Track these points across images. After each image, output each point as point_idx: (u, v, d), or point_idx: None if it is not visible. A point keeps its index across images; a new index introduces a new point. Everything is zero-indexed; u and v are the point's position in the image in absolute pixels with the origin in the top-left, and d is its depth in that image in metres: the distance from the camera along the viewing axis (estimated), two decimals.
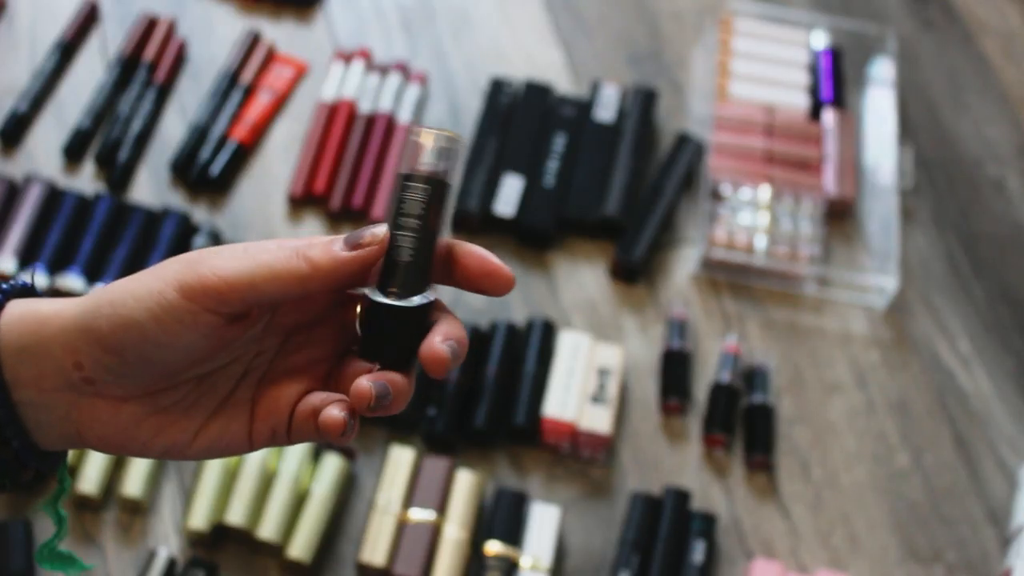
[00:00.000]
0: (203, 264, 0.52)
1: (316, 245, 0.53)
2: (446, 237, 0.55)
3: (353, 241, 0.53)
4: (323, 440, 0.55)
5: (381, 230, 0.53)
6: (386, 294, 0.53)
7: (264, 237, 1.16)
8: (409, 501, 1.01)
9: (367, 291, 0.54)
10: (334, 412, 0.53)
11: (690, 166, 1.23)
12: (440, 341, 0.52)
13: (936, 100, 1.33)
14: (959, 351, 1.16)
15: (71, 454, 1.00)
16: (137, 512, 1.01)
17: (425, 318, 0.54)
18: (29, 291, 0.56)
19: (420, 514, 1.00)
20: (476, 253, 0.54)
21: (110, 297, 0.52)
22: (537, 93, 1.26)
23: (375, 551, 0.98)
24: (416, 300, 0.53)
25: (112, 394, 0.54)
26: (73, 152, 1.20)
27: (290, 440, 0.56)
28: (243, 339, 0.55)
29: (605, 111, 1.25)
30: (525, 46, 1.33)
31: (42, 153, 1.21)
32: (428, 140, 0.55)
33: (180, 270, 0.52)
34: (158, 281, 0.52)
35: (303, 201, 1.20)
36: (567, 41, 1.34)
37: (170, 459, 0.59)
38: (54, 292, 1.09)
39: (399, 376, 0.53)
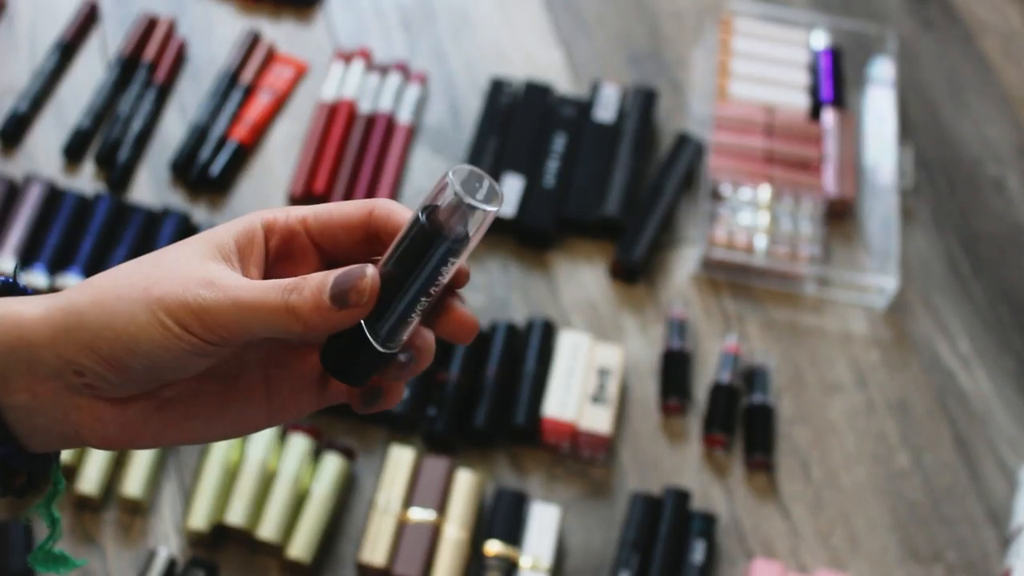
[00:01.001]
0: (195, 301, 0.50)
1: (305, 297, 0.50)
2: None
3: (341, 298, 0.50)
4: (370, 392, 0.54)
5: (366, 283, 0.50)
6: (369, 330, 0.51)
7: None
8: (409, 501, 1.01)
9: None
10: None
11: (690, 166, 1.23)
12: (464, 307, 0.53)
13: (936, 100, 1.33)
14: (959, 351, 1.16)
15: (70, 454, 1.00)
16: (137, 512, 1.01)
17: (393, 358, 0.53)
18: (11, 289, 0.55)
19: (420, 514, 1.00)
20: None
21: (110, 320, 0.50)
22: (537, 93, 1.26)
23: (375, 551, 0.98)
24: (394, 351, 0.52)
25: (114, 395, 0.52)
26: (73, 152, 1.20)
27: (319, 406, 0.56)
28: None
29: (605, 111, 1.25)
30: (525, 46, 1.33)
31: (42, 153, 1.21)
32: (465, 187, 0.49)
33: (175, 305, 0.50)
34: (158, 309, 0.50)
35: (303, 201, 1.20)
36: (567, 41, 1.34)
37: (187, 444, 0.58)
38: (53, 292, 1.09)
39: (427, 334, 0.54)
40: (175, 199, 1.19)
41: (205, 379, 0.54)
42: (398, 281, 0.51)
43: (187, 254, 0.52)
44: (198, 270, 0.51)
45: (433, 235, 0.50)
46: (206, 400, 0.54)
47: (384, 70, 1.28)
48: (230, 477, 1.01)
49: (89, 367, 0.51)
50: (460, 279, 0.53)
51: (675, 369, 1.11)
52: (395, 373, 0.54)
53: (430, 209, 0.50)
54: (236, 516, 0.99)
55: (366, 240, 0.54)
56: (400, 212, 0.54)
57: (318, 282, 0.51)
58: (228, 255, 0.53)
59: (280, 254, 0.55)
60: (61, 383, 0.51)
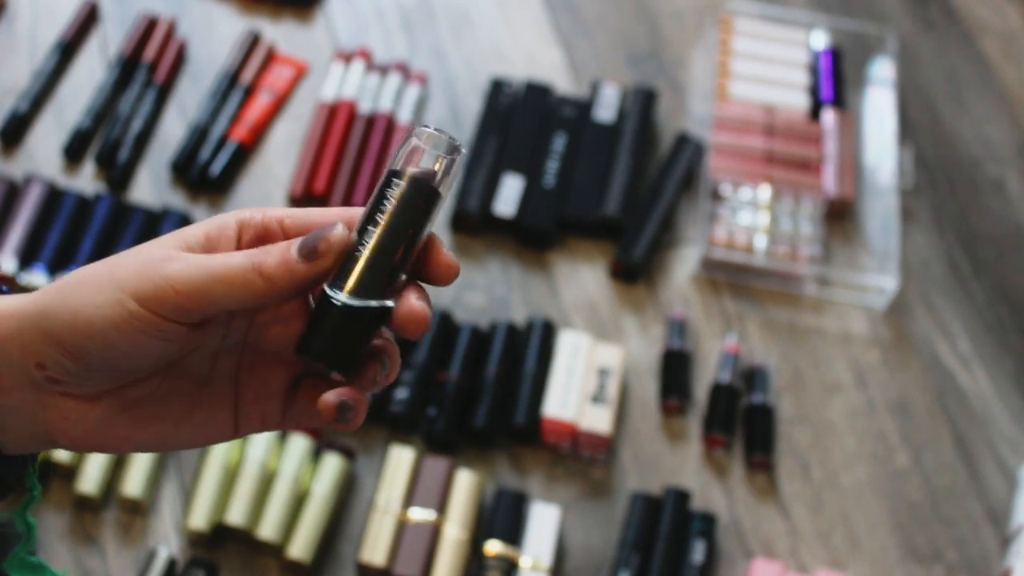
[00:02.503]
0: (158, 273, 0.50)
1: (271, 254, 0.50)
2: (423, 242, 0.52)
3: (308, 249, 0.50)
4: (323, 423, 0.53)
5: (336, 234, 0.51)
6: (339, 288, 0.51)
7: None
8: (409, 501, 1.01)
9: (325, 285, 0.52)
10: (330, 397, 0.52)
11: (690, 166, 1.23)
12: (416, 299, 0.51)
13: (936, 100, 1.33)
14: (959, 351, 1.16)
15: (69, 455, 1.00)
16: (137, 512, 1.01)
17: (377, 323, 0.51)
18: None
19: (420, 514, 1.00)
20: (443, 256, 0.53)
21: (70, 304, 0.50)
22: (537, 93, 1.26)
23: (375, 551, 0.98)
24: (372, 303, 0.51)
25: (79, 393, 0.52)
26: (73, 152, 1.20)
27: (283, 426, 0.55)
28: (210, 334, 0.53)
29: (605, 111, 1.25)
30: (525, 46, 1.33)
31: (42, 153, 1.21)
32: (427, 142, 0.52)
33: (135, 281, 0.50)
34: (116, 290, 0.50)
35: (303, 201, 1.20)
36: (567, 41, 1.34)
37: (154, 451, 0.58)
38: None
39: (358, 393, 0.52)
40: (175, 199, 1.19)
41: (174, 381, 0.54)
42: (367, 234, 0.51)
43: (154, 243, 0.53)
44: (160, 252, 0.51)
45: (387, 174, 0.51)
46: (174, 404, 0.54)
47: (384, 70, 1.28)
48: (230, 477, 1.01)
49: (49, 356, 0.51)
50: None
51: (675, 369, 1.11)
52: (371, 377, 0.52)
53: (396, 163, 0.52)
54: (236, 516, 0.99)
55: None
56: None
57: (284, 243, 0.51)
58: (191, 248, 0.52)
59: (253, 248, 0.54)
60: (26, 379, 0.51)
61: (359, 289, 0.51)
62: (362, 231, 0.51)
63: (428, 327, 0.51)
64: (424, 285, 0.53)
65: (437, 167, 0.52)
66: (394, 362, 0.53)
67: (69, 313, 0.50)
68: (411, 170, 0.52)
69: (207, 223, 0.54)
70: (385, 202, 0.51)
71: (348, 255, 0.51)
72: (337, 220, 0.52)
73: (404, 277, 0.52)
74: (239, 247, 0.54)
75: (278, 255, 0.50)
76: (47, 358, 0.51)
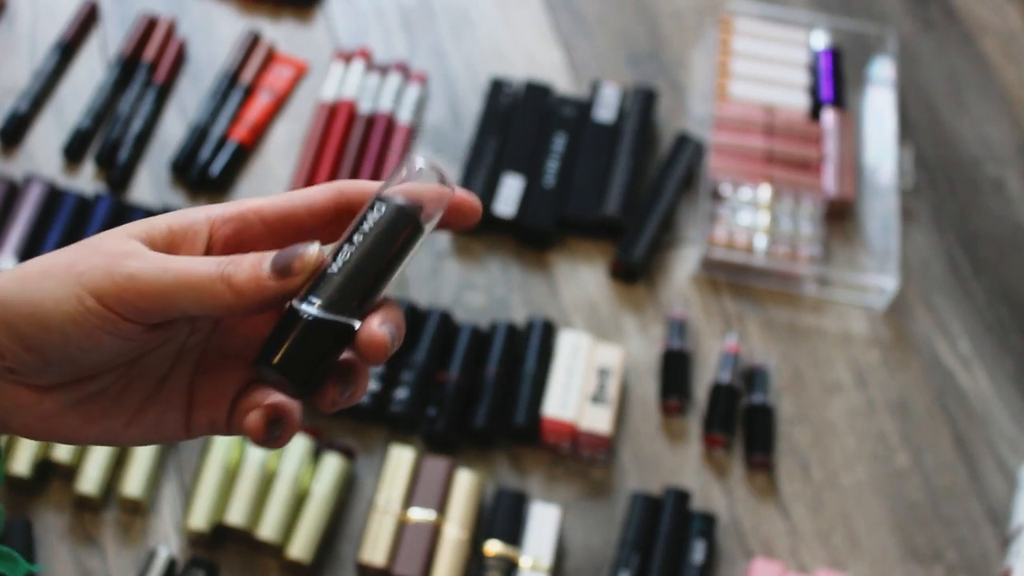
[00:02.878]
0: (120, 271, 0.49)
1: (242, 267, 0.49)
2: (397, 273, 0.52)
3: (281, 265, 0.50)
4: (253, 440, 0.52)
5: (311, 254, 0.50)
6: (307, 302, 0.50)
7: None
8: (409, 501, 1.01)
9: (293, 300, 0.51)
10: (255, 417, 0.51)
11: (690, 166, 1.23)
12: (379, 324, 0.50)
13: (936, 100, 1.33)
14: (959, 351, 1.16)
15: (70, 455, 1.00)
16: (137, 512, 1.01)
17: (340, 342, 0.50)
18: None
19: (420, 514, 1.00)
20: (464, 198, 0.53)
21: (30, 296, 0.50)
22: (537, 93, 1.26)
23: (375, 551, 0.98)
24: (337, 319, 0.50)
25: (34, 383, 0.51)
26: (73, 152, 1.20)
27: (228, 431, 0.54)
28: (174, 333, 0.53)
29: (605, 111, 1.25)
30: (525, 46, 1.33)
31: (42, 153, 1.21)
32: (420, 176, 0.51)
33: (97, 278, 0.49)
34: (75, 284, 0.49)
35: None
36: (567, 41, 1.34)
37: (104, 445, 0.56)
38: None
39: (294, 404, 0.51)
40: (175, 199, 1.19)
41: (132, 379, 0.53)
42: (342, 253, 0.50)
43: (117, 233, 0.52)
44: (124, 246, 0.50)
45: (383, 203, 0.51)
46: (128, 401, 0.53)
47: (384, 70, 1.28)
48: (230, 477, 1.01)
49: (7, 346, 0.50)
50: (365, 347, 0.50)
51: (675, 369, 1.11)
52: (330, 398, 0.51)
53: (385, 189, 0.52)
54: (236, 516, 0.99)
55: (336, 221, 0.53)
56: (370, 185, 0.53)
57: (257, 256, 0.50)
58: (154, 240, 0.51)
59: (230, 245, 0.53)
60: None
61: (327, 305, 0.50)
62: (339, 250, 0.51)
63: (389, 354, 0.50)
64: (398, 305, 0.52)
65: (425, 201, 0.52)
66: (360, 384, 0.52)
67: (28, 306, 0.49)
68: (398, 200, 0.51)
69: (173, 216, 0.53)
70: (366, 225, 0.51)
71: (321, 272, 0.50)
72: (315, 241, 0.51)
73: (373, 303, 0.51)
74: (211, 245, 0.53)
75: (249, 270, 0.50)
76: (5, 348, 0.50)
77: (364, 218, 0.51)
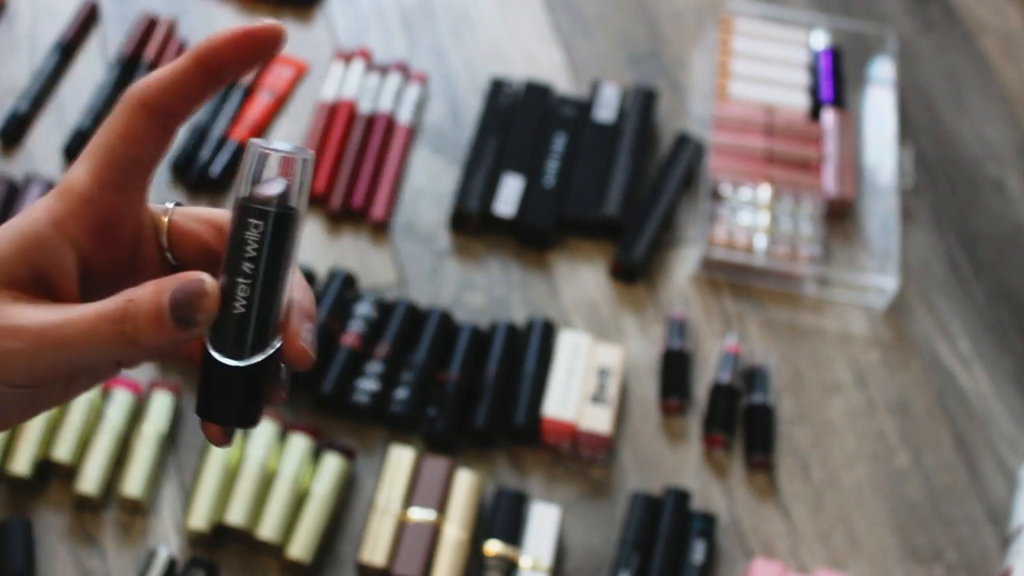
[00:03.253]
0: (3, 354, 0.45)
1: (142, 321, 0.46)
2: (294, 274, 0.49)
3: (182, 314, 0.46)
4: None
5: (211, 297, 0.46)
6: (220, 349, 0.48)
7: None
8: (409, 501, 1.01)
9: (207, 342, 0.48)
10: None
11: (690, 166, 1.23)
12: (299, 336, 0.48)
13: (936, 100, 1.33)
14: (959, 351, 1.16)
15: (70, 455, 1.00)
16: (137, 512, 1.01)
17: (272, 367, 0.49)
18: None
19: (420, 514, 1.00)
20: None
21: None
22: (537, 93, 1.26)
23: (375, 551, 0.98)
24: (256, 358, 0.48)
25: None
26: (73, 152, 1.20)
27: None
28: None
29: (605, 111, 1.25)
30: (525, 46, 1.33)
31: (42, 153, 1.21)
32: (268, 163, 0.48)
33: None
34: None
35: None
36: (567, 41, 1.34)
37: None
38: None
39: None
40: (175, 199, 1.19)
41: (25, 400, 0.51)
42: (238, 288, 0.47)
43: None
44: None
45: (238, 209, 0.48)
46: (11, 415, 0.50)
47: (384, 70, 1.28)
48: (230, 477, 1.01)
49: None
50: (293, 358, 0.49)
51: (675, 369, 1.11)
52: (277, 395, 0.50)
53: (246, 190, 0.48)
54: (236, 516, 0.99)
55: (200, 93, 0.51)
56: (219, 40, 0.52)
57: (152, 303, 0.46)
58: (22, 289, 0.47)
59: (96, 235, 0.49)
60: None
61: (250, 351, 0.48)
62: (233, 284, 0.47)
63: (313, 362, 0.49)
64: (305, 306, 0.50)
65: (285, 187, 0.48)
66: (285, 386, 0.51)
67: None
68: (271, 208, 0.47)
69: (22, 248, 0.48)
70: (250, 248, 0.47)
71: (226, 314, 0.47)
72: (199, 274, 0.47)
73: (284, 306, 0.49)
74: (82, 247, 0.49)
75: (149, 317, 0.46)
76: None
77: (244, 241, 0.47)
